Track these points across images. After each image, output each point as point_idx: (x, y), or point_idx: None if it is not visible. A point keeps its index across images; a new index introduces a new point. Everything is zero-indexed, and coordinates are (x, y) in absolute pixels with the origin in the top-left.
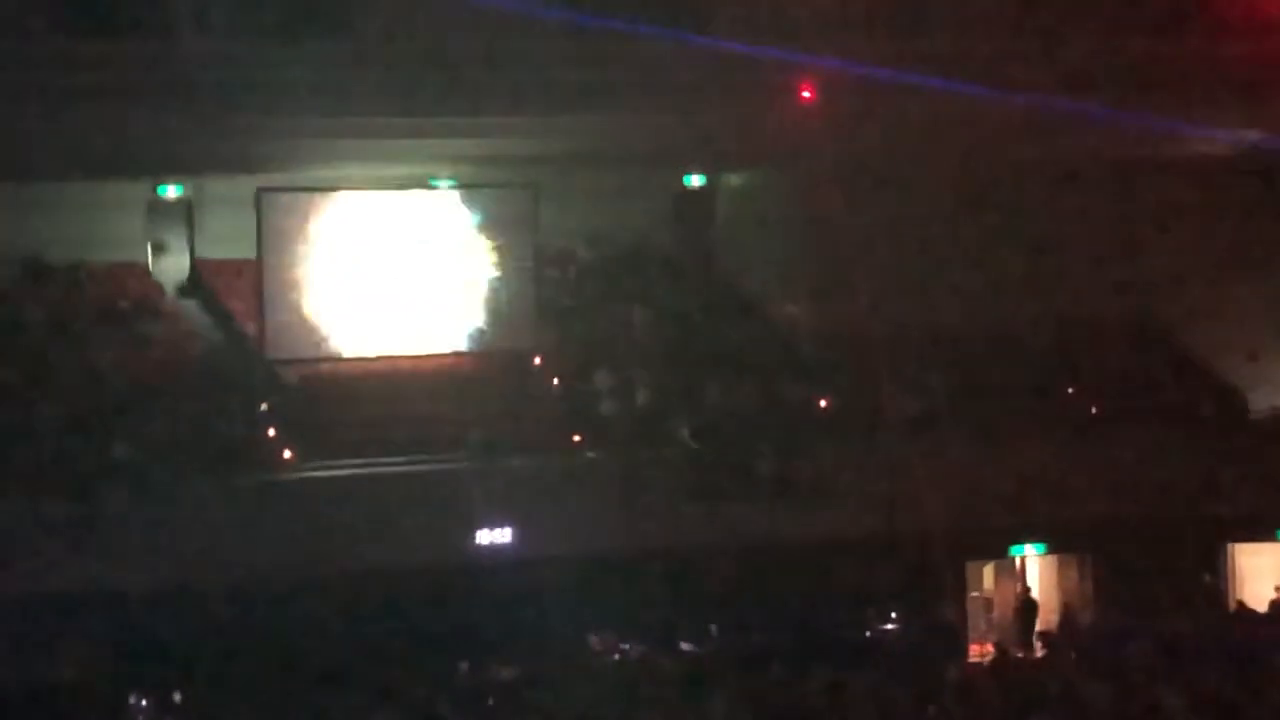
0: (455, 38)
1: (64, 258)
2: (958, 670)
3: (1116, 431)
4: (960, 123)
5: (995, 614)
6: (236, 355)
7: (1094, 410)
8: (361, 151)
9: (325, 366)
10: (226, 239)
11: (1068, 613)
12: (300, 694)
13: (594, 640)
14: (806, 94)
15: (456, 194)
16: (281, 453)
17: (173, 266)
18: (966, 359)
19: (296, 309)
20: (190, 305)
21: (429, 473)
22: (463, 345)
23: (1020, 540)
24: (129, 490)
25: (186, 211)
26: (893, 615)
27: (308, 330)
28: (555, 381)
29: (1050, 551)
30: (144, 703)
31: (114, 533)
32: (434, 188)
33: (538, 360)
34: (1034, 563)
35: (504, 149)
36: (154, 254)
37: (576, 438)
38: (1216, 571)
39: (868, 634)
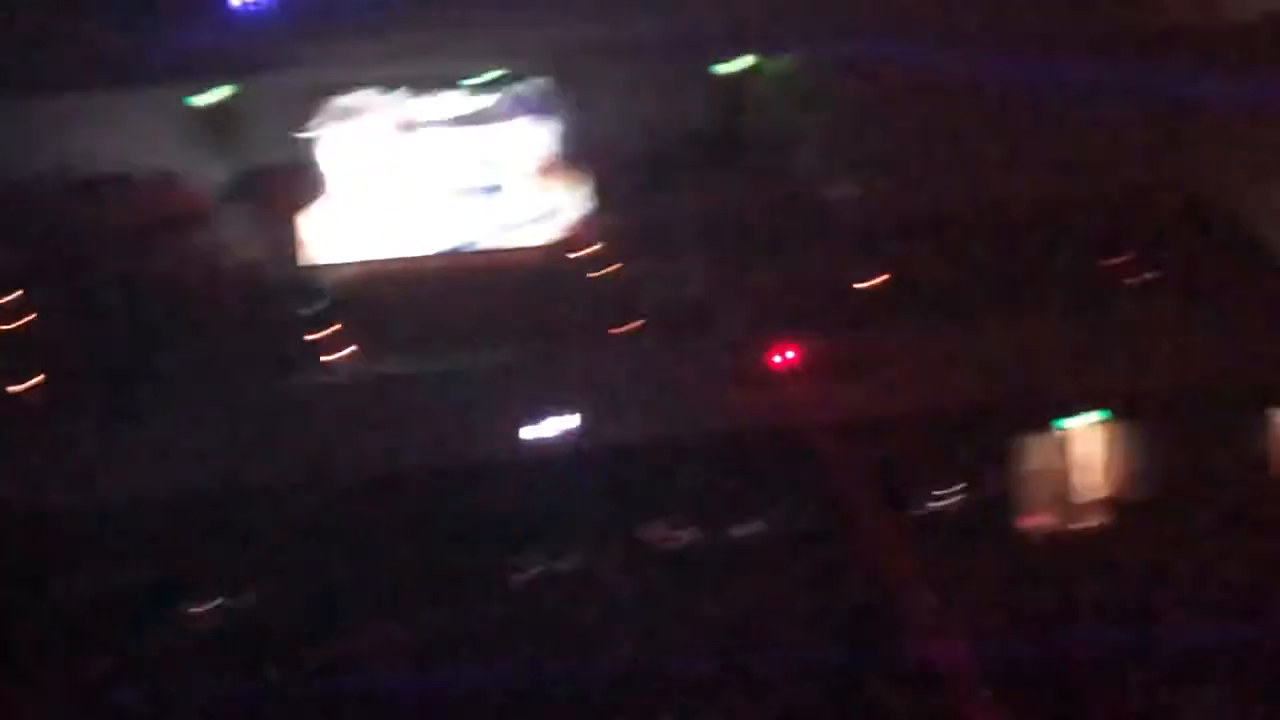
0: None
1: (106, 169)
2: (1014, 542)
3: (1166, 302)
4: None
5: (1045, 486)
6: (277, 262)
7: (1145, 279)
8: (395, 49)
9: (368, 269)
10: (264, 145)
11: (1117, 484)
12: (363, 590)
13: (646, 530)
14: None
15: (493, 90)
16: (330, 355)
17: (212, 174)
18: (1017, 233)
19: (336, 213)
20: (230, 212)
21: (476, 369)
22: (506, 241)
23: (1070, 413)
24: (179, 399)
25: (225, 118)
26: (943, 491)
27: (348, 234)
28: (602, 272)
29: (1101, 423)
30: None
31: (167, 441)
32: (470, 85)
33: (585, 251)
34: (1083, 434)
35: (537, 41)
36: (194, 162)
37: (626, 327)
38: (1265, 439)
39: (921, 513)
